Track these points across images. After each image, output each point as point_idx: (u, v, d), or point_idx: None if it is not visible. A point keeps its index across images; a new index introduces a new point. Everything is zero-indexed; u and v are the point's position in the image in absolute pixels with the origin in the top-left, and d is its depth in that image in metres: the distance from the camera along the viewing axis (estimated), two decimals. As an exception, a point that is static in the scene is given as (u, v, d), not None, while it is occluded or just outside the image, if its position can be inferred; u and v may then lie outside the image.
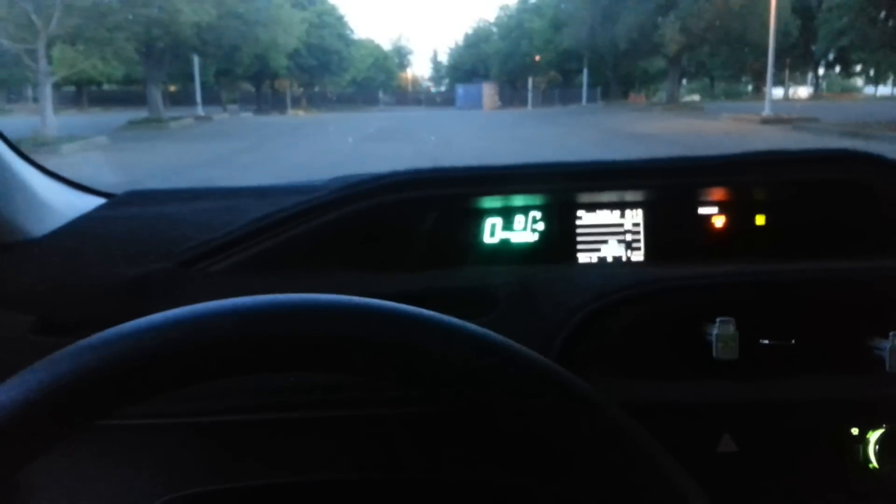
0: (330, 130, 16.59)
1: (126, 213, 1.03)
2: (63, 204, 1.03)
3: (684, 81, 33.28)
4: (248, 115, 23.92)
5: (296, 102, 30.74)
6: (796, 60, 32.35)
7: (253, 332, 0.40)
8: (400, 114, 27.69)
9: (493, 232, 0.97)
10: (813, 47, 28.56)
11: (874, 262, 0.86)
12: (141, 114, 16.73)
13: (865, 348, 0.80)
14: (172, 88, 25.15)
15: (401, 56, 46.47)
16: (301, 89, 32.96)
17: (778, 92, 34.02)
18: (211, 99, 23.88)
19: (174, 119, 16.69)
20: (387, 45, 44.30)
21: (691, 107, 22.48)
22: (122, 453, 0.78)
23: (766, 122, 14.91)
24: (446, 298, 0.73)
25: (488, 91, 34.52)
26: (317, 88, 34.32)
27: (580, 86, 33.30)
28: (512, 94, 36.56)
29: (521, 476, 0.80)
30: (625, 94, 33.99)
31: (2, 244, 0.89)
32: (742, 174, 0.93)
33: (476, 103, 33.29)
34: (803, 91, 37.53)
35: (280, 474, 0.80)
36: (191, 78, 21.00)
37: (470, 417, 0.75)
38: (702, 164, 0.93)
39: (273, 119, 22.40)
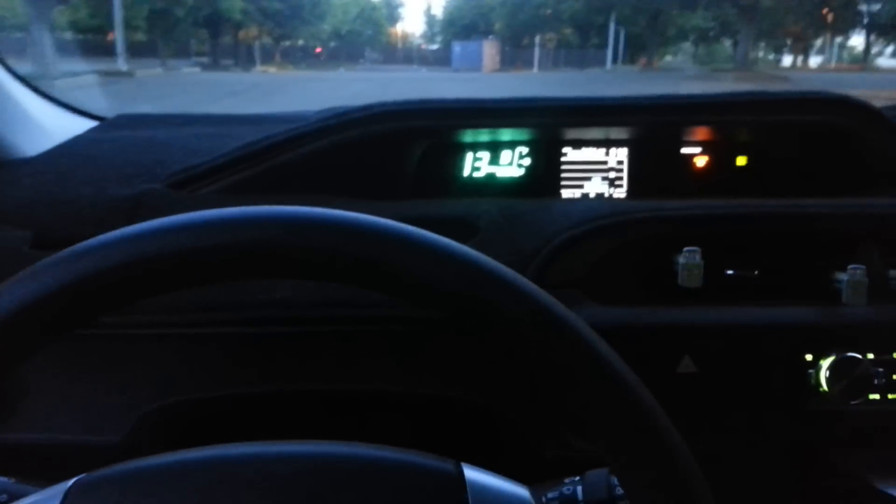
0: (293, 95, 12.51)
1: (118, 136, 1.05)
2: (55, 125, 1.07)
3: (696, 47, 28.75)
4: (193, 71, 19.12)
5: (267, 57, 26.35)
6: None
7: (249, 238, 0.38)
8: (386, 75, 23.19)
9: (479, 166, 0.99)
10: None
11: (837, 199, 0.89)
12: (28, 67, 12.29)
13: (825, 280, 0.84)
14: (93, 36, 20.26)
15: (390, 8, 41.68)
16: (276, 42, 28.49)
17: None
18: (155, 51, 19.36)
19: (71, 75, 12.21)
20: (375, -4, 39.21)
21: (770, 76, 17.94)
22: (115, 362, 0.83)
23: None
24: (424, 225, 0.55)
25: (489, 50, 30.06)
26: (290, 42, 29.71)
27: (596, 47, 28.91)
28: (515, 54, 32.01)
29: (494, 393, 0.83)
30: (649, 58, 29.31)
31: None
32: (727, 114, 0.96)
33: (475, 64, 28.92)
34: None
35: (266, 385, 0.84)
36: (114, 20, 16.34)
37: (444, 333, 0.79)
38: (688, 102, 0.96)
39: (229, 77, 17.86)
